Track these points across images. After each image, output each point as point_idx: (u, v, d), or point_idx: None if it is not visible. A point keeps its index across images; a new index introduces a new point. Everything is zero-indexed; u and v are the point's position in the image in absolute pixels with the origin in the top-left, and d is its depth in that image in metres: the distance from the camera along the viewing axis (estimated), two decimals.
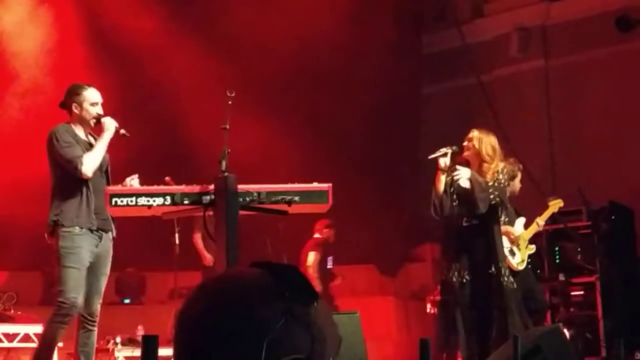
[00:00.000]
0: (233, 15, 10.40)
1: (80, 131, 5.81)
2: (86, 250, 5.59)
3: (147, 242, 9.54)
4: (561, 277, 9.52)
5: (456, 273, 6.50)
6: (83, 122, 5.83)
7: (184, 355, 1.57)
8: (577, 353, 8.27)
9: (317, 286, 10.03)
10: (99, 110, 5.81)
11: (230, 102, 5.42)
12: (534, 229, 7.86)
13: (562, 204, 8.16)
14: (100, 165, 5.77)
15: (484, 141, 6.78)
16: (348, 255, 10.98)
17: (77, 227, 5.58)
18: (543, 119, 12.27)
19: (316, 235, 10.29)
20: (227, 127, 5.38)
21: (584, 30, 11.99)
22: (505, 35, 12.61)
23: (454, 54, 12.70)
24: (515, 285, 6.65)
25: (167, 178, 8.17)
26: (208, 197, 5.14)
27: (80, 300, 5.53)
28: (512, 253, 7.54)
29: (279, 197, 5.24)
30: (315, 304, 1.60)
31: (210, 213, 5.16)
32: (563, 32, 12.29)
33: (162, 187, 5.41)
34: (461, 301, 6.48)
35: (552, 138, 12.19)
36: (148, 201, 5.11)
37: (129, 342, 8.16)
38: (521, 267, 7.59)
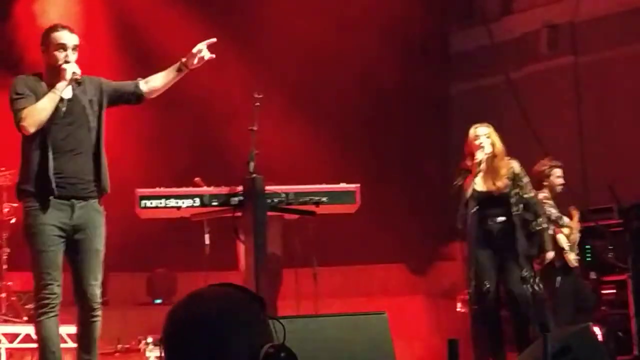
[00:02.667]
0: (265, 19, 10.44)
1: (44, 83, 4.95)
2: (52, 226, 4.86)
3: (177, 242, 9.60)
4: (592, 276, 9.46)
5: (485, 280, 6.43)
6: (52, 70, 4.95)
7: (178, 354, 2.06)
8: (609, 352, 8.23)
9: None
10: (68, 55, 4.91)
11: (257, 104, 5.45)
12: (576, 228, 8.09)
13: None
14: (79, 120, 4.96)
15: (496, 135, 6.72)
16: (378, 255, 10.98)
17: (37, 200, 4.85)
18: (573, 116, 12.18)
19: None
20: (255, 128, 5.42)
21: (614, 27, 11.88)
22: (534, 32, 12.52)
23: (482, 52, 12.65)
24: (541, 289, 6.60)
25: (196, 179, 8.24)
26: (236, 199, 5.18)
27: (55, 286, 4.84)
28: (571, 249, 7.77)
29: (307, 198, 5.28)
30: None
31: (239, 214, 5.20)
32: (592, 29, 12.18)
33: (191, 188, 5.45)
34: (489, 307, 6.43)
35: (582, 135, 12.10)
36: (177, 203, 5.16)
37: (160, 342, 8.20)
38: (575, 264, 7.83)
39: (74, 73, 4.84)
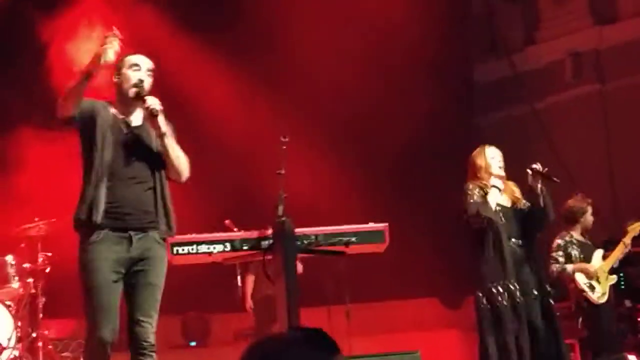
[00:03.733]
0: (293, 62, 10.55)
1: (114, 109, 4.66)
2: (106, 260, 4.44)
3: (210, 284, 9.66)
4: (627, 304, 9.39)
5: (506, 295, 6.18)
6: (122, 97, 4.67)
7: None
8: None
9: None
10: (142, 75, 4.64)
11: (284, 147, 5.51)
12: (617, 254, 7.79)
13: None
14: (143, 149, 4.63)
15: None
16: (410, 290, 10.97)
17: (90, 233, 4.45)
18: (601, 144, 12.15)
19: None
20: (283, 172, 5.48)
21: (638, 52, 11.88)
22: (559, 61, 12.57)
23: (506, 83, 12.69)
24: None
25: (227, 221, 8.32)
26: (266, 242, 5.23)
27: (106, 329, 4.39)
28: (592, 287, 7.51)
29: (336, 239, 5.29)
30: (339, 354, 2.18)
31: (270, 257, 5.24)
32: (617, 55, 12.20)
33: (221, 234, 5.50)
34: (510, 324, 6.17)
35: (611, 163, 12.05)
36: (208, 249, 5.21)
37: None
38: (602, 300, 7.54)
39: (153, 104, 4.54)
